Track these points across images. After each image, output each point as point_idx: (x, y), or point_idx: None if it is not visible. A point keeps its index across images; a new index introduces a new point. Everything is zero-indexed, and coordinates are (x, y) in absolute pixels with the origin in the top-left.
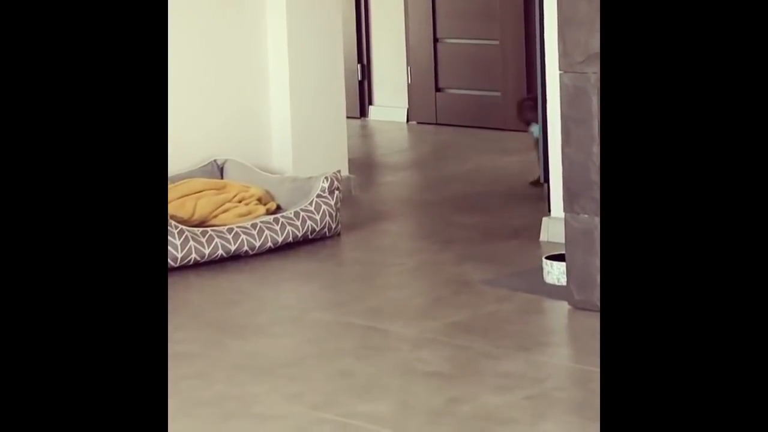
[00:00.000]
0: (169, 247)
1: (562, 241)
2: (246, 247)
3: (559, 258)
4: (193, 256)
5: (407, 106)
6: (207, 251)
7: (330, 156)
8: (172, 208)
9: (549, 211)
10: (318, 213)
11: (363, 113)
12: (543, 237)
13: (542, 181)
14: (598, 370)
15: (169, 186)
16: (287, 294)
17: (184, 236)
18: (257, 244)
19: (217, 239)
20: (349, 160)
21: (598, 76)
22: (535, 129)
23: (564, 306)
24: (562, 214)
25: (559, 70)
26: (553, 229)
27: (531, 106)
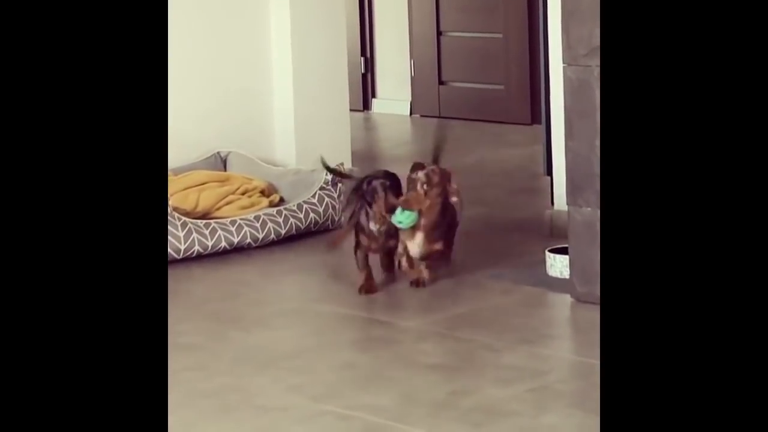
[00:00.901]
0: (172, 239)
1: (565, 234)
2: (249, 239)
3: (562, 251)
4: (196, 248)
5: (410, 99)
6: (210, 243)
7: (333, 148)
8: (176, 201)
9: (552, 203)
10: (321, 205)
11: (366, 106)
12: (546, 230)
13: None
14: None
15: (173, 178)
16: (290, 286)
17: (187, 228)
18: (260, 237)
19: (220, 231)
20: (352, 153)
21: None
22: (402, 217)
23: (567, 299)
24: (565, 207)
25: (563, 63)
26: (557, 221)
27: (392, 187)
